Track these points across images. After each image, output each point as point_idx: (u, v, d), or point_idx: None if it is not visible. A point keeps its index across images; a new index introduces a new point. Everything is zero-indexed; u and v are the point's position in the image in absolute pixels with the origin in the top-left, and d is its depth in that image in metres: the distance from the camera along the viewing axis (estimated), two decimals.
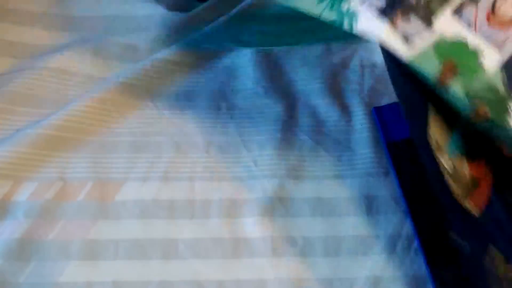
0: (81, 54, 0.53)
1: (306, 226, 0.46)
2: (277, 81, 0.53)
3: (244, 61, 0.54)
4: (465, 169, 0.35)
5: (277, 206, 0.46)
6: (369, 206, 0.46)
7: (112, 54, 0.53)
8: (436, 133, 0.35)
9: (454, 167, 0.36)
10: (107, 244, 0.44)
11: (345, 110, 0.52)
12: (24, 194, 0.45)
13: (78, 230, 0.44)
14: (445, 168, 0.36)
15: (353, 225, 0.46)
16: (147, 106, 0.51)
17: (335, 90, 0.53)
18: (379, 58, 0.54)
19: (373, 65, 0.54)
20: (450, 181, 0.36)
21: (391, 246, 0.44)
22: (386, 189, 0.47)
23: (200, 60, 0.54)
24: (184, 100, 0.52)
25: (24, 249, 0.43)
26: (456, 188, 0.36)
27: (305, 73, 0.54)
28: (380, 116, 0.51)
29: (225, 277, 0.43)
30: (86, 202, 0.46)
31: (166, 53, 0.53)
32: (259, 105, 0.52)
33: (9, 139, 0.47)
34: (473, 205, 0.36)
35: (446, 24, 0.32)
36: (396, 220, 0.46)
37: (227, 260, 0.44)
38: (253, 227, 0.45)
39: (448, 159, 0.36)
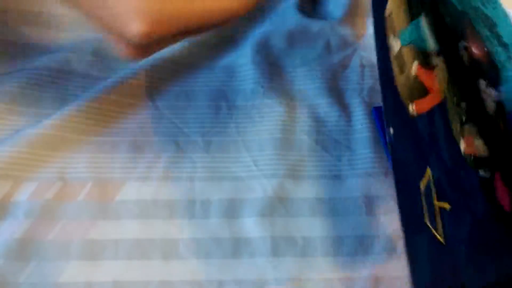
0: (81, 54, 0.53)
1: (306, 226, 0.46)
2: (277, 81, 0.53)
3: (244, 61, 0.54)
4: (413, 68, 0.33)
5: (277, 206, 0.46)
6: (369, 206, 0.46)
7: (112, 54, 0.53)
8: (394, 9, 0.34)
9: (401, 52, 0.33)
10: (107, 244, 0.44)
11: (345, 110, 0.52)
12: (24, 194, 0.45)
13: (78, 230, 0.44)
14: (392, 48, 0.34)
15: (353, 225, 0.46)
16: (147, 106, 0.51)
17: (335, 90, 0.53)
18: None
19: (373, 65, 0.54)
20: (395, 67, 0.34)
21: (391, 246, 0.44)
22: (386, 189, 0.47)
23: (200, 60, 0.54)
24: (184, 100, 0.52)
25: (24, 249, 0.43)
26: (400, 83, 0.34)
27: (305, 73, 0.54)
28: (380, 116, 0.51)
29: (225, 277, 0.43)
30: (86, 202, 0.46)
31: (166, 53, 0.53)
32: (259, 105, 0.52)
33: (9, 139, 0.47)
34: (415, 109, 0.34)
35: None
36: (396, 220, 0.45)
37: (227, 260, 0.44)
38: (253, 227, 0.45)
39: (397, 42, 0.34)
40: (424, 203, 0.34)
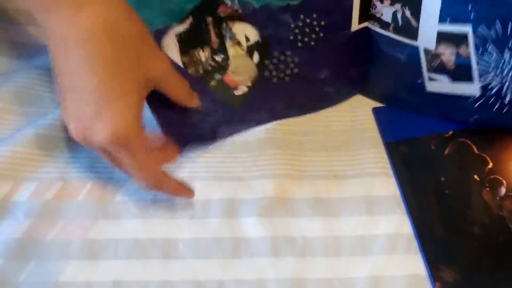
0: None
1: (306, 226, 0.46)
2: None
3: None
4: None
5: (277, 206, 0.46)
6: (369, 206, 0.46)
7: None
8: None
9: None
10: (107, 243, 0.44)
11: (345, 110, 0.52)
12: (24, 194, 0.45)
13: (78, 230, 0.44)
14: None
15: (353, 225, 0.46)
16: (147, 106, 0.51)
17: None
18: None
19: None
20: None
21: (391, 246, 0.44)
22: (386, 189, 0.47)
23: None
24: None
25: (24, 249, 0.43)
26: None
27: None
28: (380, 116, 0.51)
29: (225, 277, 0.43)
30: (86, 202, 0.46)
31: None
32: None
33: (9, 139, 0.47)
34: None
35: None
36: (396, 220, 0.46)
37: (227, 260, 0.44)
38: (253, 227, 0.45)
39: None
40: None
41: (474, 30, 0.44)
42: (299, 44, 0.49)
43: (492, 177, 0.47)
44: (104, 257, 0.43)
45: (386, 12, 0.47)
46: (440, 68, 0.47)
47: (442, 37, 0.45)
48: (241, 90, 0.49)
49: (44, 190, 0.46)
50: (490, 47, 0.44)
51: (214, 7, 0.46)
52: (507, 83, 0.45)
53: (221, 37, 0.47)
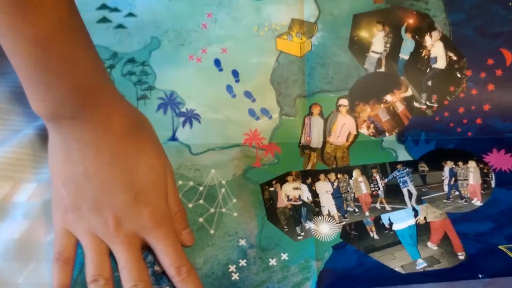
0: None
1: None
2: None
3: None
4: None
5: None
6: None
7: None
8: None
9: None
10: None
11: None
12: (23, 195, 0.45)
13: None
14: None
15: None
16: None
17: None
18: None
19: None
20: None
21: None
22: None
23: None
24: None
25: (24, 250, 0.43)
26: None
27: None
28: None
29: None
30: None
31: None
32: None
33: (9, 139, 0.47)
34: None
35: None
36: None
37: None
38: None
39: None
40: None
41: None
42: None
43: None
44: None
45: None
46: None
47: None
48: None
49: (43, 191, 0.46)
50: None
51: None
52: None
53: None
